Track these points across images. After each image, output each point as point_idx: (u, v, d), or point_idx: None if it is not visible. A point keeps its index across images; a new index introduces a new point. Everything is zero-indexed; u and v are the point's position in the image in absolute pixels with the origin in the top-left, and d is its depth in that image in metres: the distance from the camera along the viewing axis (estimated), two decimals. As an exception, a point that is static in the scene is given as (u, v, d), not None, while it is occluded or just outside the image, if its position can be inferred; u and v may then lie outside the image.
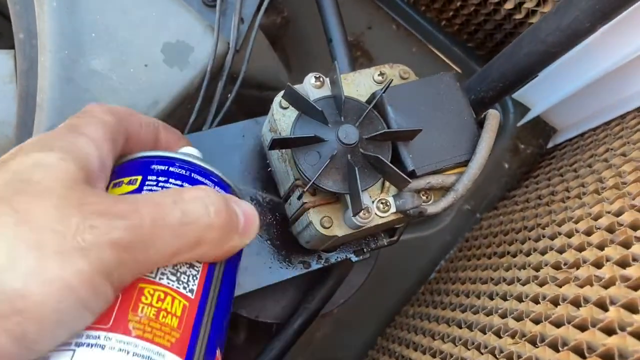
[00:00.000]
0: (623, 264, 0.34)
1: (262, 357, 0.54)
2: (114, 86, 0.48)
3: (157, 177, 0.33)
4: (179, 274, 0.31)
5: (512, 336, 0.39)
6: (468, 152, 0.44)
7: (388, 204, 0.43)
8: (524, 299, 0.42)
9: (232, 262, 0.37)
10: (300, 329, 0.56)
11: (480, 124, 0.46)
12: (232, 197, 0.34)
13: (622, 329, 0.29)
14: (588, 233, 0.41)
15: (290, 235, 0.50)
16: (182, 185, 0.34)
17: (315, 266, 0.52)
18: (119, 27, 0.50)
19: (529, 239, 0.50)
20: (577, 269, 0.38)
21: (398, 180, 0.41)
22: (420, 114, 0.44)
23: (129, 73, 0.49)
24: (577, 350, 0.31)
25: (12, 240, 0.24)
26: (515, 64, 0.52)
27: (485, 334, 0.43)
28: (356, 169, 0.39)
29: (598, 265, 0.36)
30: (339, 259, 0.52)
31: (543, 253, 0.45)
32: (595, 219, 0.41)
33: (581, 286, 0.36)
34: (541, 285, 0.41)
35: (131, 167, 0.34)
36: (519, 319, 0.40)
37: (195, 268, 0.32)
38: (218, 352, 0.34)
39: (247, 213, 0.34)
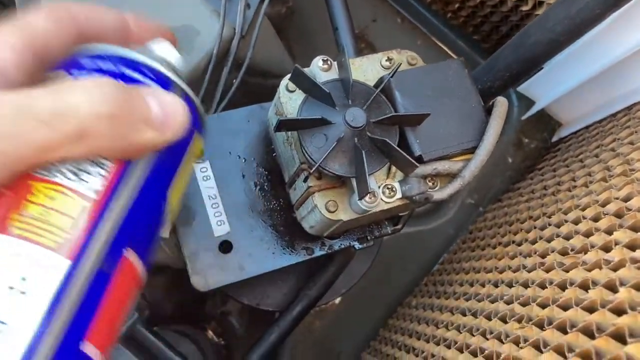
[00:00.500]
0: (633, 246, 0.34)
1: (261, 343, 0.54)
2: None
3: (80, 71, 0.31)
4: (79, 172, 0.29)
5: (519, 321, 0.38)
6: (475, 139, 0.44)
7: (394, 189, 0.43)
8: (530, 285, 0.41)
9: (160, 162, 0.33)
10: (300, 316, 0.56)
11: (488, 111, 0.46)
12: (141, 88, 0.31)
13: (633, 309, 0.29)
14: (596, 219, 0.41)
15: (294, 222, 0.50)
16: None
17: (318, 253, 0.51)
18: (125, 10, 0.50)
19: (535, 227, 0.49)
20: (585, 253, 0.38)
21: (405, 165, 0.40)
22: (428, 99, 0.44)
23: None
24: (587, 331, 0.31)
25: None
26: (522, 54, 0.51)
27: (490, 320, 0.42)
28: (363, 152, 0.39)
29: (607, 249, 0.36)
30: (343, 246, 0.52)
31: (549, 240, 0.44)
32: (603, 205, 0.41)
33: (590, 270, 0.36)
34: (548, 271, 0.41)
35: (61, 64, 0.31)
36: (525, 304, 0.40)
37: (103, 166, 0.30)
38: (128, 253, 0.31)
39: (168, 103, 0.31)
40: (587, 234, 0.40)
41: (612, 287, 0.32)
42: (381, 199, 0.43)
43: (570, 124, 0.71)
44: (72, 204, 0.29)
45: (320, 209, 0.42)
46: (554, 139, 0.74)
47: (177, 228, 0.48)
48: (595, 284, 0.34)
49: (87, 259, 0.29)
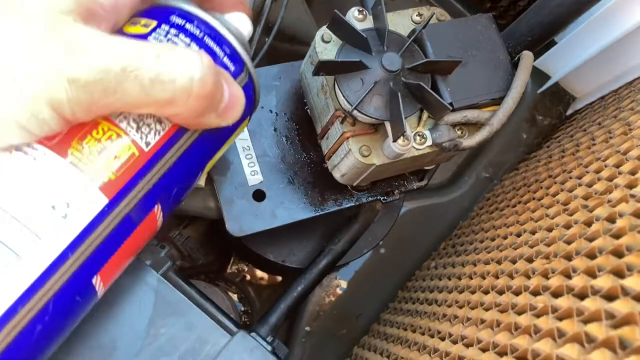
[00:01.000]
0: (658, 179, 0.36)
1: (289, 293, 0.55)
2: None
3: (170, 27, 0.33)
4: (141, 124, 0.32)
5: (546, 257, 0.40)
6: (503, 89, 0.46)
7: (425, 136, 0.45)
8: (555, 228, 0.43)
9: (209, 138, 0.36)
10: (325, 269, 0.58)
11: (514, 66, 0.48)
12: (225, 74, 0.33)
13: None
14: (618, 165, 0.42)
15: (324, 175, 0.52)
16: (189, 45, 0.33)
17: (347, 204, 0.53)
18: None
19: (556, 183, 0.51)
20: (610, 193, 0.40)
21: (438, 108, 0.42)
22: (458, 51, 0.46)
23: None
24: (617, 253, 0.33)
25: None
26: (545, 16, 0.53)
27: (515, 263, 0.44)
28: (399, 94, 0.41)
29: (631, 186, 0.38)
30: (370, 199, 0.54)
31: (572, 190, 0.46)
32: (625, 153, 0.43)
33: (615, 205, 0.37)
34: (572, 214, 0.42)
35: (154, 12, 0.34)
36: (550, 243, 0.41)
37: (162, 125, 0.33)
38: (157, 208, 0.34)
39: (234, 95, 0.33)
40: (611, 178, 0.42)
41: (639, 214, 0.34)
42: (412, 146, 0.44)
43: (586, 96, 0.73)
44: (125, 149, 0.32)
45: (355, 153, 0.44)
46: (569, 112, 0.76)
47: (212, 177, 0.50)
48: (621, 215, 0.36)
49: (122, 204, 0.32)
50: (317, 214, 0.52)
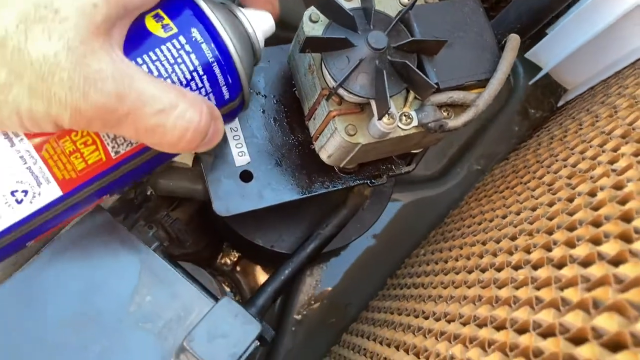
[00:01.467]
0: (637, 153, 0.36)
1: (276, 276, 0.56)
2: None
3: (187, 43, 0.34)
4: (118, 137, 0.34)
5: (529, 234, 0.40)
6: (489, 71, 0.46)
7: (410, 116, 0.45)
8: (539, 207, 0.43)
9: (164, 156, 0.39)
10: (313, 254, 0.58)
11: (501, 49, 0.48)
12: (216, 114, 0.36)
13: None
14: (602, 144, 0.43)
15: (312, 157, 0.52)
16: (195, 69, 0.35)
17: (334, 187, 0.53)
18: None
19: (543, 167, 0.51)
20: (593, 170, 0.40)
21: (423, 87, 0.43)
22: (445, 32, 0.46)
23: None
24: (595, 223, 0.33)
25: None
26: (533, 3, 0.54)
27: (498, 243, 0.44)
28: (384, 71, 0.41)
29: (613, 161, 0.38)
30: (358, 182, 0.54)
31: (557, 171, 0.46)
32: (609, 133, 0.43)
33: (596, 180, 0.38)
34: (556, 192, 0.43)
35: (181, 13, 0.35)
36: (534, 221, 0.42)
37: (135, 142, 0.35)
38: (106, 197, 0.38)
39: (216, 132, 0.36)
40: (594, 157, 0.42)
41: (619, 186, 0.34)
42: (398, 126, 0.45)
43: (577, 87, 0.73)
44: (95, 155, 0.34)
45: (340, 132, 0.44)
46: (560, 103, 0.76)
47: (200, 157, 0.50)
48: (602, 189, 0.36)
49: (75, 197, 0.35)
50: (305, 196, 0.52)
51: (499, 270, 0.40)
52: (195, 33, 0.34)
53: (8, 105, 0.28)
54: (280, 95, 0.54)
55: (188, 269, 0.56)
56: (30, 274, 0.37)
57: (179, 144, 0.32)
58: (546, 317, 0.29)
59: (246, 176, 0.51)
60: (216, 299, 0.39)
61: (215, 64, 0.36)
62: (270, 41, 0.64)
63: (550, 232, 0.38)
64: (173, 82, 0.34)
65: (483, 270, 0.43)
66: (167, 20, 0.34)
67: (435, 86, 0.43)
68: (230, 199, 0.50)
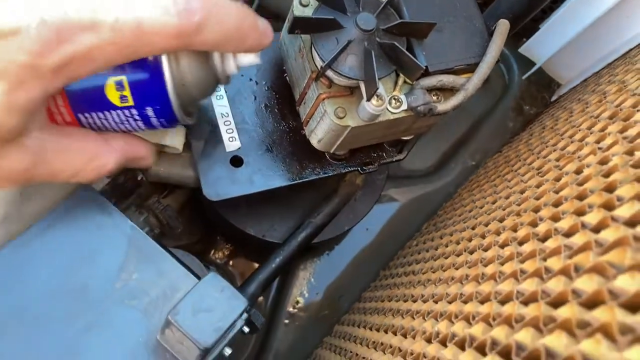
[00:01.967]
0: (623, 130, 0.36)
1: (268, 264, 0.55)
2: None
3: (138, 114, 0.36)
4: None
5: (517, 214, 0.40)
6: (478, 55, 0.46)
7: (400, 100, 0.45)
8: (527, 189, 0.43)
9: None
10: (304, 242, 0.58)
11: (491, 35, 0.48)
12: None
13: (623, 167, 0.31)
14: (590, 127, 0.43)
15: (303, 143, 0.52)
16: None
17: (325, 173, 0.53)
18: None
19: (533, 154, 0.51)
20: (580, 150, 0.40)
21: (411, 69, 0.43)
22: (434, 17, 0.46)
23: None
24: (580, 197, 0.33)
25: None
26: (524, -7, 0.54)
27: (487, 225, 0.44)
28: (372, 52, 0.41)
29: (599, 140, 0.38)
30: (349, 169, 0.54)
31: (546, 156, 0.46)
32: (597, 116, 0.43)
33: (583, 159, 0.38)
34: (544, 175, 0.43)
35: (142, 86, 0.36)
36: (522, 202, 0.42)
37: None
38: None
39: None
40: (582, 139, 0.42)
41: (605, 161, 0.34)
42: (387, 109, 0.45)
43: (570, 82, 0.73)
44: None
45: (330, 114, 0.44)
46: (554, 98, 0.76)
47: (191, 142, 0.50)
48: (588, 166, 0.36)
49: None
50: (295, 182, 0.52)
51: (486, 250, 0.40)
52: (150, 111, 0.36)
53: None
54: (272, 82, 0.54)
55: (179, 255, 0.56)
56: (17, 247, 0.37)
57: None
58: (529, 286, 0.29)
59: (237, 161, 0.51)
60: (203, 278, 0.39)
61: (160, 124, 0.38)
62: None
63: (536, 210, 0.38)
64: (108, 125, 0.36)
65: (471, 252, 0.43)
66: (127, 92, 0.34)
67: (424, 67, 0.43)
68: (220, 184, 0.50)
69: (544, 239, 0.33)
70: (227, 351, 0.40)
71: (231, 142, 0.51)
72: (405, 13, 0.46)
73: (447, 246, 0.50)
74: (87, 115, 0.35)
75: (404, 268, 0.59)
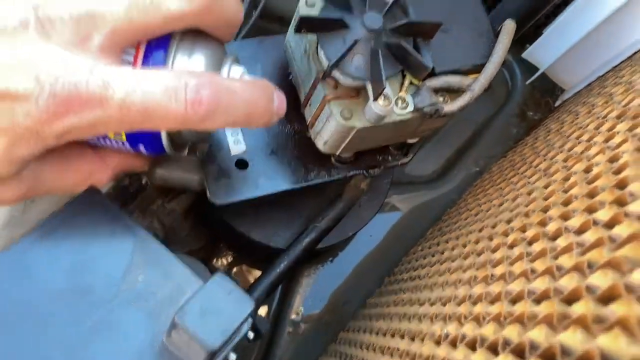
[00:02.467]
0: (632, 128, 0.36)
1: (272, 269, 0.55)
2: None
3: (130, 148, 0.38)
4: None
5: (525, 215, 0.40)
6: (485, 56, 0.46)
7: (406, 101, 0.45)
8: (535, 191, 0.43)
9: None
10: (309, 247, 0.57)
11: (497, 36, 0.48)
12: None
13: (635, 163, 0.31)
14: (597, 127, 0.43)
15: (308, 147, 0.52)
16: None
17: (330, 177, 0.53)
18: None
19: (539, 156, 0.51)
20: (588, 151, 0.40)
21: (418, 68, 0.43)
22: (441, 17, 0.46)
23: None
24: (591, 194, 0.32)
25: None
26: (529, -5, 0.54)
27: (494, 227, 0.44)
28: (379, 51, 0.41)
29: (608, 139, 0.38)
30: (355, 172, 0.54)
31: (553, 157, 0.46)
32: (605, 116, 0.43)
33: (591, 159, 0.38)
34: (552, 175, 0.42)
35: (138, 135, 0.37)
36: (530, 203, 0.41)
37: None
38: None
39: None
40: (590, 139, 0.42)
41: (615, 159, 0.34)
42: (394, 111, 0.45)
43: (573, 87, 0.73)
44: None
45: (336, 116, 0.44)
46: (557, 103, 0.76)
47: (195, 145, 0.50)
48: (597, 164, 0.36)
49: None
50: (300, 185, 0.52)
51: (494, 251, 0.40)
52: (141, 147, 0.37)
53: None
54: (277, 85, 0.53)
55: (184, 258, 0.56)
56: (22, 248, 0.37)
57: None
58: (541, 284, 0.29)
59: (241, 164, 0.50)
60: (210, 280, 0.39)
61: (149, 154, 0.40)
62: (267, 34, 0.65)
63: (545, 210, 0.37)
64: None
65: (479, 254, 0.42)
66: (122, 137, 0.36)
67: (431, 67, 0.43)
68: (225, 188, 0.49)
69: (554, 238, 0.32)
70: (232, 356, 0.39)
71: (236, 145, 0.51)
72: (412, 13, 0.46)
73: (453, 249, 0.50)
74: None
75: (409, 273, 0.58)
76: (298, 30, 0.41)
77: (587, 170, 0.36)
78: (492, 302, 0.33)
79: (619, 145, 0.35)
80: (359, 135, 0.46)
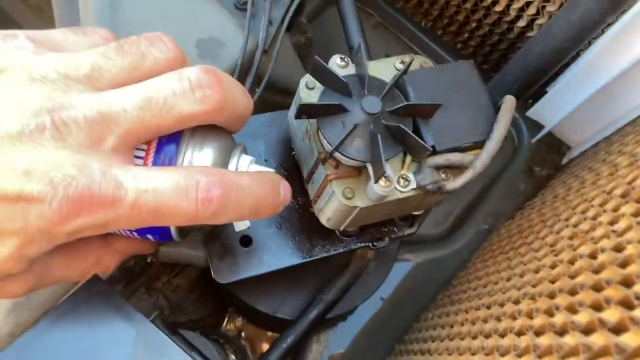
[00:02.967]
0: (636, 213, 0.35)
1: (278, 344, 0.54)
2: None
3: (137, 236, 0.39)
4: None
5: (532, 298, 0.39)
6: (485, 133, 0.46)
7: (408, 179, 0.45)
8: (541, 269, 0.42)
9: None
10: (316, 320, 0.57)
11: (498, 111, 0.48)
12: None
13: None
14: (602, 204, 0.42)
15: (312, 221, 0.52)
16: None
17: (335, 251, 0.53)
18: (156, 23, 0.54)
19: (546, 226, 0.51)
20: (593, 231, 0.39)
21: (419, 150, 0.43)
22: (440, 95, 0.46)
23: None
24: (596, 287, 0.32)
25: None
26: (528, 65, 0.55)
27: (502, 307, 0.43)
28: (378, 135, 0.41)
29: (613, 222, 0.37)
30: (360, 245, 0.54)
31: (559, 232, 0.46)
32: (609, 192, 0.43)
33: (597, 242, 0.37)
34: (558, 254, 0.42)
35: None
36: (537, 284, 0.41)
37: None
38: None
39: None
40: (595, 217, 0.41)
41: (620, 249, 0.33)
42: (396, 189, 0.45)
43: (579, 145, 0.73)
44: None
45: (338, 195, 0.44)
46: (564, 161, 0.76)
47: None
48: (602, 250, 0.35)
49: None
50: (305, 260, 0.52)
51: (502, 336, 0.39)
52: (149, 236, 0.38)
53: None
54: (280, 160, 0.54)
55: (190, 337, 0.55)
56: (25, 342, 0.36)
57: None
58: (548, 388, 0.28)
59: (246, 241, 0.50)
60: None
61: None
62: (270, 107, 0.65)
63: (552, 297, 0.37)
64: None
65: (487, 337, 0.41)
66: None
67: (431, 148, 0.43)
68: (230, 266, 0.49)
69: (561, 333, 0.32)
70: None
71: (240, 221, 0.51)
72: (411, 93, 0.46)
73: (462, 325, 0.49)
74: None
75: (419, 345, 0.57)
76: (298, 116, 0.42)
77: (593, 256, 0.36)
78: (499, 400, 0.32)
79: (624, 232, 0.35)
80: (362, 212, 0.46)
